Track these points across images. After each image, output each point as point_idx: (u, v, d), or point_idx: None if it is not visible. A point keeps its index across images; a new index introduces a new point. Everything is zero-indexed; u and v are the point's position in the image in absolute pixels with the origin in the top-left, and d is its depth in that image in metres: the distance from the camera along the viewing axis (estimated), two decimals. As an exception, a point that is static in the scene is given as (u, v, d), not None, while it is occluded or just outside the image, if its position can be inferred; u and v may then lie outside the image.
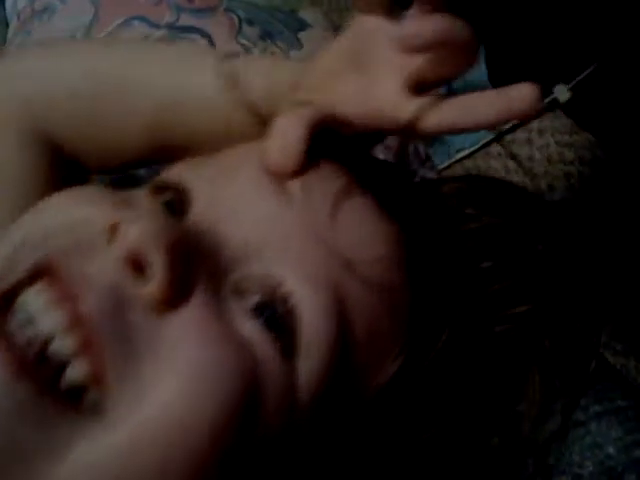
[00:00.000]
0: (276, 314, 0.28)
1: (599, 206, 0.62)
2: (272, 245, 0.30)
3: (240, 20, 0.70)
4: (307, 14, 0.75)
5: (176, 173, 0.34)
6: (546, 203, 0.42)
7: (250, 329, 0.28)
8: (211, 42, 0.68)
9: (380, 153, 0.61)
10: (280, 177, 0.31)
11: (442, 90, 0.34)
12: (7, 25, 0.75)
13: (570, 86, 0.64)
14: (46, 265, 0.28)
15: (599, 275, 0.36)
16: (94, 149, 0.41)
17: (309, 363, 0.28)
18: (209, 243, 0.29)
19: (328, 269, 0.29)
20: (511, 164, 0.69)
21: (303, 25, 0.73)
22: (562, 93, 0.64)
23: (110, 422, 0.25)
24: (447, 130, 0.33)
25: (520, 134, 0.69)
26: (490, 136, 0.68)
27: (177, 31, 0.68)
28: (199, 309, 0.27)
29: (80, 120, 0.40)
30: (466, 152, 0.70)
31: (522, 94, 0.30)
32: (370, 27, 0.34)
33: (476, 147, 0.69)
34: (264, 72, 0.37)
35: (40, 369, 0.25)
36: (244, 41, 0.69)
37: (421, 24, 0.29)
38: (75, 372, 0.25)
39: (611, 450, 0.32)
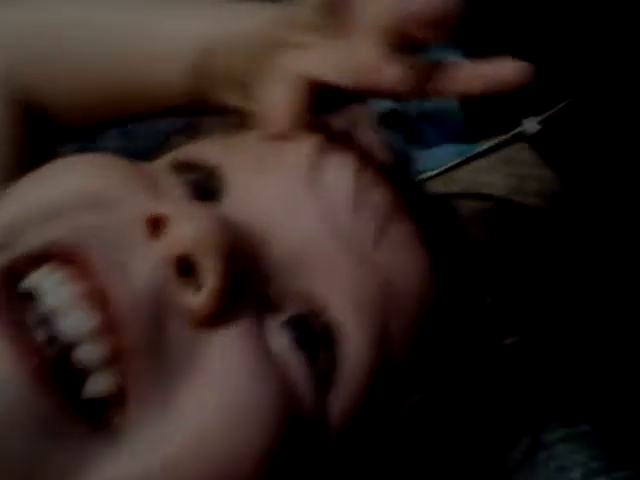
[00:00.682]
0: (319, 343, 0.27)
1: (552, 240, 0.63)
2: (316, 263, 0.28)
3: None
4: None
5: (205, 151, 0.31)
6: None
7: (290, 355, 0.26)
8: None
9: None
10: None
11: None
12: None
13: (539, 120, 0.65)
14: (68, 247, 0.24)
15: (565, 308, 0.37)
16: (76, 103, 0.39)
17: (345, 393, 0.27)
18: (253, 248, 0.27)
19: (373, 296, 0.28)
20: (472, 190, 0.70)
21: None
22: (531, 126, 0.66)
23: (132, 446, 0.22)
24: (429, 94, 0.32)
25: (484, 162, 0.70)
26: (456, 160, 0.69)
27: None
28: (242, 330, 0.25)
29: (65, 72, 0.37)
30: (430, 174, 0.70)
31: (509, 66, 0.32)
32: None
33: (441, 170, 0.70)
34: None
35: (61, 377, 0.22)
36: None
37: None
38: (100, 385, 0.23)
39: (576, 475, 0.32)
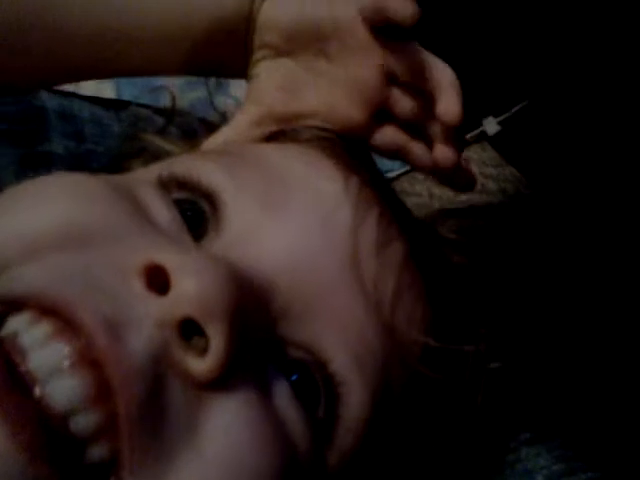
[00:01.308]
0: (320, 395, 0.25)
1: (516, 239, 0.63)
2: (326, 313, 0.26)
3: None
4: None
5: (202, 170, 0.28)
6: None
7: (290, 408, 0.24)
8: None
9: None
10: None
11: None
12: None
13: (499, 120, 0.65)
14: (52, 296, 0.21)
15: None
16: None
17: (344, 443, 0.26)
18: (258, 294, 0.24)
19: (381, 352, 0.27)
20: (436, 190, 0.69)
21: None
22: (491, 126, 0.66)
23: None
24: None
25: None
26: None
27: None
28: (245, 392, 0.23)
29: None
30: (394, 174, 0.70)
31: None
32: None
33: (404, 170, 0.69)
34: None
35: (56, 447, 0.20)
36: None
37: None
38: (95, 454, 0.21)
39: (539, 478, 0.32)
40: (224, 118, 0.44)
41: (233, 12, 0.38)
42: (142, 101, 0.49)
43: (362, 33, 0.37)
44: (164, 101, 0.46)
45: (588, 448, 0.33)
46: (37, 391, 0.20)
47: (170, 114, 0.43)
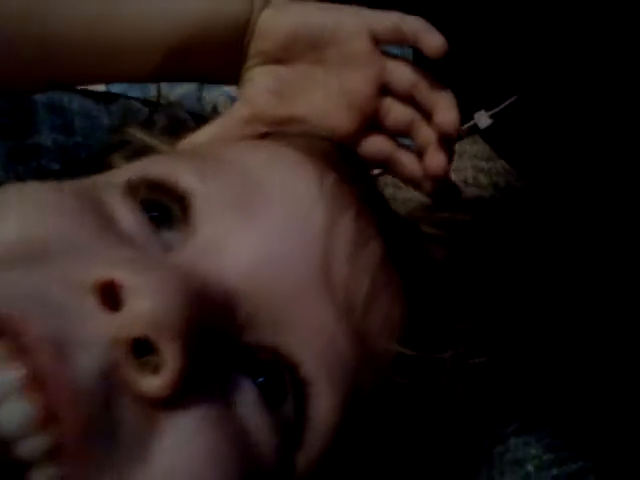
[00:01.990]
0: (287, 399, 0.25)
1: (506, 234, 0.63)
2: (295, 318, 0.26)
3: None
4: None
5: (173, 171, 0.28)
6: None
7: (256, 415, 0.24)
8: None
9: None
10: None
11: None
12: None
13: (491, 113, 0.65)
14: (2, 316, 0.20)
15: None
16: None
17: (312, 448, 0.26)
18: (224, 301, 0.24)
19: (351, 356, 0.27)
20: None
21: None
22: (482, 119, 0.66)
23: None
24: None
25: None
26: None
27: None
28: (202, 408, 0.22)
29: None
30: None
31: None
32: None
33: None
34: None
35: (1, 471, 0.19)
36: None
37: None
38: (36, 477, 0.20)
39: (530, 468, 0.32)
40: (215, 111, 0.44)
41: (231, 19, 0.38)
42: (132, 94, 0.48)
43: (363, 44, 0.37)
44: (154, 94, 0.45)
45: (578, 437, 0.33)
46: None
47: (155, 105, 0.43)
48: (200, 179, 0.28)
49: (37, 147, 0.42)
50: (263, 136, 0.38)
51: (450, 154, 0.40)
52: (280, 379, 0.25)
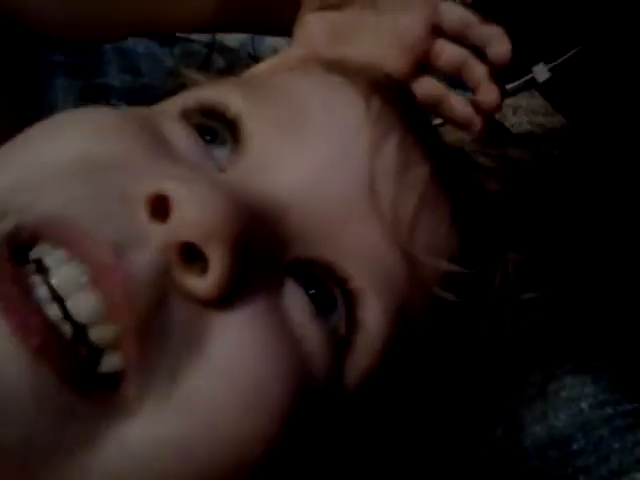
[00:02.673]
0: (338, 310, 0.26)
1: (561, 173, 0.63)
2: (343, 232, 0.27)
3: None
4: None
5: (225, 97, 0.29)
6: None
7: (308, 322, 0.25)
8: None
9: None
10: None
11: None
12: None
13: (550, 67, 0.64)
14: (68, 224, 0.22)
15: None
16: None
17: (361, 361, 0.26)
18: (272, 216, 0.25)
19: (398, 277, 0.28)
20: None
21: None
22: (541, 73, 0.65)
23: (140, 419, 0.22)
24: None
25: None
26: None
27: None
28: (254, 307, 0.24)
29: None
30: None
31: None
32: None
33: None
34: None
35: (65, 352, 0.21)
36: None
37: None
38: (106, 364, 0.22)
39: (584, 405, 0.32)
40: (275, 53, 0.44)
41: None
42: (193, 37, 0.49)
43: None
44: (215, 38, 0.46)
45: (634, 380, 0.34)
46: (56, 306, 0.22)
47: (211, 46, 0.43)
48: (250, 103, 0.29)
49: (106, 87, 0.43)
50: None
51: (503, 92, 0.40)
52: (330, 292, 0.26)
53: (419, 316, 0.29)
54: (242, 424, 0.23)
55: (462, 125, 0.41)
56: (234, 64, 0.43)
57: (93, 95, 0.42)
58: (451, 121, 0.42)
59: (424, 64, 0.40)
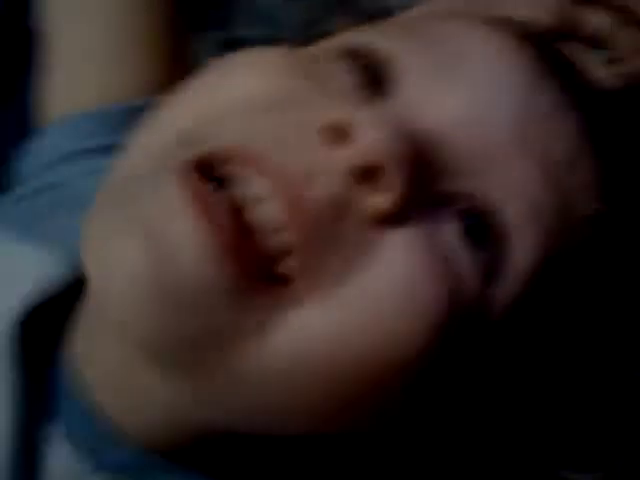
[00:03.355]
0: (489, 239, 0.28)
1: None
2: (496, 168, 0.28)
3: None
4: None
5: (376, 39, 0.30)
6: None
7: (460, 248, 0.27)
8: None
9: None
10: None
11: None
12: None
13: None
14: (251, 152, 0.25)
15: None
16: None
17: (508, 290, 0.28)
18: (429, 147, 0.27)
19: (548, 212, 0.29)
20: None
21: None
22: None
23: (307, 310, 0.25)
24: None
25: None
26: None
27: None
28: (417, 228, 0.26)
29: None
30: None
31: None
32: None
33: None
34: None
35: (250, 251, 0.24)
36: None
37: None
38: (282, 265, 0.25)
39: None
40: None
41: None
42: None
43: None
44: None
45: None
46: (247, 212, 0.24)
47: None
48: (400, 43, 0.30)
49: (244, 39, 0.45)
50: None
51: None
52: (482, 221, 0.28)
53: (565, 257, 0.30)
54: (398, 326, 0.25)
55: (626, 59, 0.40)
56: (373, 14, 0.43)
57: (232, 46, 0.44)
58: (617, 55, 0.41)
59: (567, 32, 0.40)
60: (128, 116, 0.30)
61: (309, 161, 0.25)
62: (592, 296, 0.32)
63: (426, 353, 0.26)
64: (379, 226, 0.26)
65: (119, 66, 0.39)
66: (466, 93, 0.29)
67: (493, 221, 0.28)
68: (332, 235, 0.25)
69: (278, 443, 0.30)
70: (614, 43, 0.40)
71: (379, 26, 0.34)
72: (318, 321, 0.25)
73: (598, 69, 0.41)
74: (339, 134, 0.25)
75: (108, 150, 0.30)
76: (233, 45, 0.45)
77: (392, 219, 0.26)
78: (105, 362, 0.30)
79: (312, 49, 0.32)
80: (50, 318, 0.31)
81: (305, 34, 0.42)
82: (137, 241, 0.24)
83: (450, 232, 0.27)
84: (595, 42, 0.42)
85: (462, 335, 0.27)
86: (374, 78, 0.29)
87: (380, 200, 0.25)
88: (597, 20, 0.40)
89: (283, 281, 0.25)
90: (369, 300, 0.25)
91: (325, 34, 0.41)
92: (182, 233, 0.24)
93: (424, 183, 0.27)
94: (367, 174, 0.25)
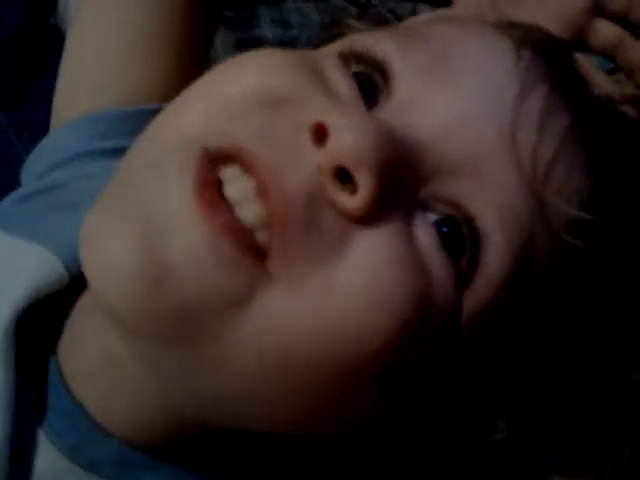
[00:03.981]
0: (464, 246, 0.28)
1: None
2: (476, 174, 0.29)
3: None
4: None
5: (375, 44, 0.31)
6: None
7: (435, 253, 0.27)
8: None
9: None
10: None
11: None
12: None
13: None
14: (246, 150, 0.26)
15: None
16: None
17: (480, 297, 0.28)
18: (412, 153, 0.28)
19: (527, 220, 0.29)
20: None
21: None
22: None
23: (279, 290, 0.26)
24: None
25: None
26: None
27: None
28: (392, 227, 0.27)
29: None
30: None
31: None
32: None
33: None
34: None
35: (241, 231, 0.26)
36: None
37: None
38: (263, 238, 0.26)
39: None
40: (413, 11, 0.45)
41: None
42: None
43: None
44: None
45: None
46: (236, 211, 0.26)
47: (365, 3, 0.45)
48: (399, 48, 0.30)
49: (260, 39, 0.46)
50: None
51: None
52: (458, 227, 0.28)
53: (542, 262, 0.30)
54: (366, 316, 0.26)
55: (633, 71, 0.41)
56: (380, 19, 0.44)
57: (248, 46, 0.45)
58: (624, 66, 0.41)
59: (578, 41, 0.40)
60: (143, 119, 0.31)
61: (294, 153, 0.26)
62: (572, 299, 0.32)
63: (391, 345, 0.26)
64: (354, 225, 0.26)
65: (134, 69, 0.40)
66: (456, 99, 0.29)
67: (470, 226, 0.28)
68: (309, 223, 0.26)
69: (259, 442, 0.31)
70: (622, 55, 0.40)
71: (382, 31, 0.35)
72: (281, 304, 0.25)
73: (603, 79, 0.41)
74: (322, 135, 0.26)
75: (121, 152, 0.31)
76: (248, 45, 0.47)
77: (365, 218, 0.26)
78: (88, 356, 0.30)
79: (317, 52, 0.33)
80: (48, 317, 0.32)
81: (320, 36, 0.42)
82: (132, 226, 0.25)
83: (425, 234, 0.28)
84: (604, 53, 0.42)
85: (434, 334, 0.28)
86: (370, 82, 0.30)
87: (348, 200, 0.26)
88: (609, 31, 0.41)
89: (262, 255, 0.26)
90: (339, 289, 0.26)
91: (339, 37, 0.41)
92: (177, 212, 0.25)
93: (404, 186, 0.27)
94: (341, 174, 0.26)
